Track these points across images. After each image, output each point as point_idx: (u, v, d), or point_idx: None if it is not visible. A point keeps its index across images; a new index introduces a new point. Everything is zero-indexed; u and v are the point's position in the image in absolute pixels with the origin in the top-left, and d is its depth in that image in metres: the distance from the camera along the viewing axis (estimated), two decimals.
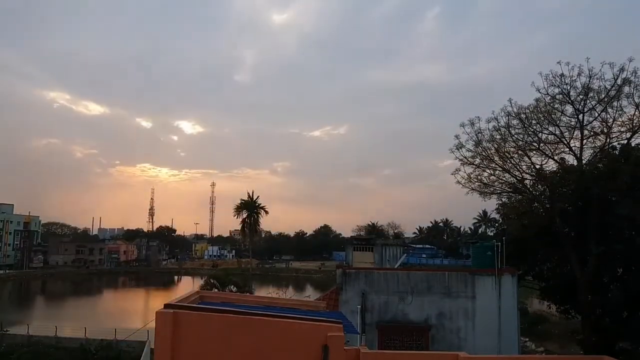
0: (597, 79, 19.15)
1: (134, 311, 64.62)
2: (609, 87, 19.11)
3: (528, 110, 20.76)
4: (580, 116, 19.99)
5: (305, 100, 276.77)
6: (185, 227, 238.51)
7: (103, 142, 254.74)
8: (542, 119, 20.63)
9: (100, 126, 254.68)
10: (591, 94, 19.52)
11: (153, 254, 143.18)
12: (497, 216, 30.86)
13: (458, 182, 22.54)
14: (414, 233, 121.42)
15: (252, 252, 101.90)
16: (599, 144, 20.49)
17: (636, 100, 18.87)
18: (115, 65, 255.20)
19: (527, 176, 21.71)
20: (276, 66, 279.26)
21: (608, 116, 19.79)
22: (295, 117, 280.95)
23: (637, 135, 19.64)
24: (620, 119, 19.73)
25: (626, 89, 18.87)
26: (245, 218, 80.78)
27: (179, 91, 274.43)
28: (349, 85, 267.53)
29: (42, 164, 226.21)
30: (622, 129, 19.93)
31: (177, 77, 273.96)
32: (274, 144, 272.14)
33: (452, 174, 22.67)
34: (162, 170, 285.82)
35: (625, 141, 19.94)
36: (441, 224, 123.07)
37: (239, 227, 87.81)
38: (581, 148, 20.37)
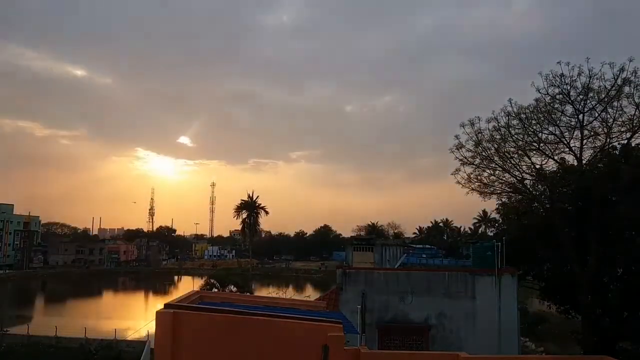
0: (597, 79, 19.15)
1: (134, 311, 64.66)
2: (609, 87, 19.10)
3: (528, 110, 20.77)
4: (580, 116, 19.99)
5: (339, 59, 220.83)
6: (185, 227, 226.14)
7: (90, 124, 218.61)
8: (542, 119, 20.63)
9: (85, 101, 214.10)
10: (591, 94, 19.52)
11: (153, 254, 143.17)
12: (497, 216, 30.84)
13: (458, 182, 22.57)
14: (414, 233, 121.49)
15: (252, 252, 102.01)
16: (599, 144, 20.49)
17: (636, 100, 18.86)
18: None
19: (527, 176, 21.72)
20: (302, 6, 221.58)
21: (608, 116, 19.79)
22: (323, 82, 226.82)
23: (637, 135, 19.64)
24: (620, 119, 19.73)
25: (626, 89, 18.87)
26: (245, 218, 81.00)
27: (176, 48, 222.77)
28: (396, 39, 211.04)
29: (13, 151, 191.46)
30: (622, 129, 19.93)
31: (174, 27, 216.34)
32: (292, 124, 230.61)
33: (452, 174, 22.71)
34: (160, 159, 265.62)
35: (626, 141, 19.95)
36: (441, 224, 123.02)
37: (239, 227, 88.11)
38: (581, 148, 20.37)
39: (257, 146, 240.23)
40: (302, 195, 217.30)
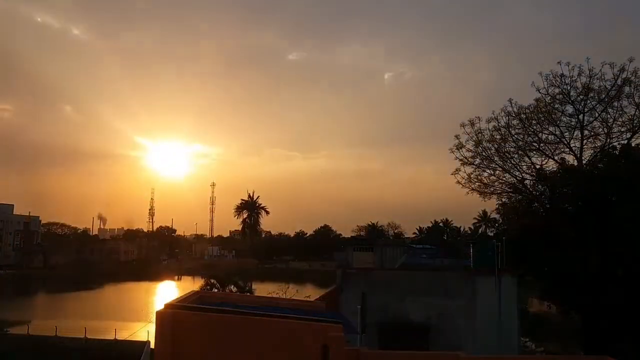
0: (597, 79, 19.24)
1: (134, 311, 64.59)
2: (609, 87, 19.14)
3: (528, 111, 20.81)
4: (581, 116, 20.02)
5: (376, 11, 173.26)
6: (185, 227, 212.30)
7: (75, 102, 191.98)
8: (542, 119, 20.67)
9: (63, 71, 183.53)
10: (591, 94, 19.56)
11: (153, 254, 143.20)
12: (497, 216, 30.85)
13: (458, 182, 22.58)
14: (414, 233, 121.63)
15: (252, 252, 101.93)
16: (599, 144, 20.55)
17: (636, 101, 18.91)
18: None
19: (527, 176, 21.76)
20: None
21: (608, 116, 19.83)
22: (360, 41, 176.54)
23: (637, 135, 19.66)
24: (620, 119, 19.81)
25: (626, 89, 18.93)
26: (245, 218, 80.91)
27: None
28: None
29: None
30: (622, 129, 19.97)
31: None
32: (316, 103, 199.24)
33: (452, 174, 22.72)
34: (158, 150, 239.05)
35: (625, 141, 19.96)
36: (441, 224, 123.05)
37: (239, 227, 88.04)
38: (581, 148, 20.39)
39: (267, 134, 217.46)
40: (306, 191, 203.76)
